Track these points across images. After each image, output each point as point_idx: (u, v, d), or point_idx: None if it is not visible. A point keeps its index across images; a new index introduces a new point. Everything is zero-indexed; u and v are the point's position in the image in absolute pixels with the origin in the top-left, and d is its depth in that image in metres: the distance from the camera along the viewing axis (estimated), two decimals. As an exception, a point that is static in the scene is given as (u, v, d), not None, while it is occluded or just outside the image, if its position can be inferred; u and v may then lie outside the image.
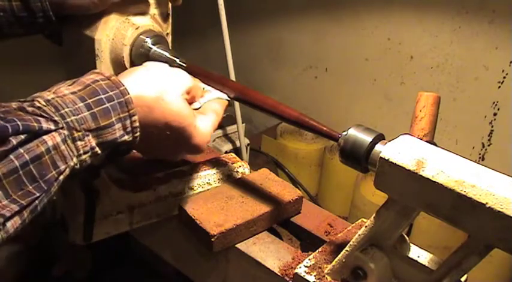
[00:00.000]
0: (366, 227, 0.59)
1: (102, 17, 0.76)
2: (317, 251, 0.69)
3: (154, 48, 0.79)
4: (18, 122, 0.44)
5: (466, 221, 0.50)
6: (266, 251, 0.72)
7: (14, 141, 0.44)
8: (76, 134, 0.49)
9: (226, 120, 1.57)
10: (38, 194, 0.45)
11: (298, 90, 1.86)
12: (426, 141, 0.57)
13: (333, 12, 1.65)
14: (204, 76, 0.72)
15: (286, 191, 0.79)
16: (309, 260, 0.67)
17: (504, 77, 1.35)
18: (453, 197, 0.49)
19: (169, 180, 0.79)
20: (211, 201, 0.76)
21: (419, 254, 0.64)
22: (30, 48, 1.26)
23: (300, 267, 0.66)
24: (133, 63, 0.80)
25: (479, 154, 1.48)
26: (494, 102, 1.39)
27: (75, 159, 0.49)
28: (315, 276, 0.64)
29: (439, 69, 1.47)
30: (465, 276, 0.59)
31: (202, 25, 1.88)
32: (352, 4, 1.59)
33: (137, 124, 0.54)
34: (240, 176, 0.85)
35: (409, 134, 0.59)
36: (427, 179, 0.51)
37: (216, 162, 0.86)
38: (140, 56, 0.79)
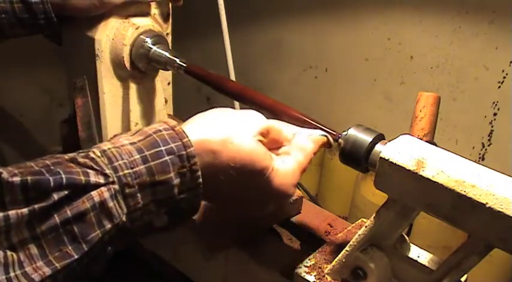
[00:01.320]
0: (366, 227, 0.59)
1: (102, 18, 0.76)
2: (317, 251, 0.69)
3: (154, 48, 0.79)
4: (63, 175, 0.41)
5: (466, 221, 0.50)
6: (266, 251, 0.72)
7: (55, 196, 0.40)
8: (128, 190, 0.44)
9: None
10: (76, 256, 0.41)
11: (298, 90, 1.86)
12: (426, 141, 0.57)
13: (333, 13, 1.65)
14: (204, 76, 0.72)
15: (286, 191, 0.79)
16: (309, 260, 0.67)
17: (504, 77, 1.35)
18: (453, 197, 0.49)
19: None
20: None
21: (419, 254, 0.64)
22: (30, 48, 1.26)
23: (300, 267, 0.66)
24: (133, 63, 0.80)
25: (479, 154, 1.48)
26: (494, 102, 1.39)
27: (124, 217, 0.44)
28: (315, 276, 0.64)
29: (439, 69, 1.47)
30: (465, 276, 0.59)
31: (202, 25, 1.88)
32: (352, 4, 1.59)
33: (200, 180, 0.47)
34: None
35: (409, 134, 0.59)
36: (427, 179, 0.51)
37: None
38: (140, 56, 0.79)
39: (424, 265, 0.61)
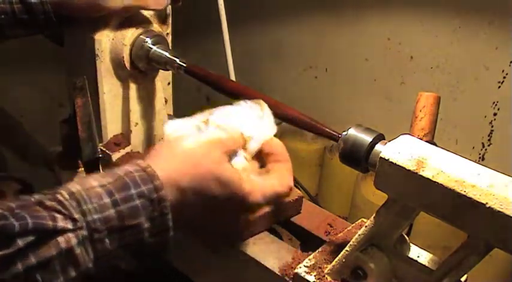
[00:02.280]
0: (366, 227, 0.59)
1: (102, 19, 0.76)
2: (317, 251, 0.69)
3: (154, 48, 0.79)
4: (29, 220, 0.39)
5: (466, 221, 0.50)
6: (266, 251, 0.72)
7: (20, 243, 0.38)
8: (96, 236, 0.42)
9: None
10: None
11: (298, 90, 1.86)
12: (426, 141, 0.57)
13: (333, 13, 1.65)
14: (204, 76, 0.72)
15: (286, 191, 0.79)
16: (309, 260, 0.67)
17: (504, 77, 1.35)
18: (453, 197, 0.49)
19: (169, 180, 0.79)
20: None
21: (419, 254, 0.64)
22: (31, 48, 1.27)
23: (300, 267, 0.66)
24: (133, 63, 0.80)
25: (479, 154, 1.48)
26: (494, 102, 1.39)
27: (90, 264, 0.43)
28: (315, 276, 0.64)
29: (439, 69, 1.47)
30: (465, 276, 0.59)
31: (202, 25, 1.88)
32: (352, 4, 1.59)
33: (170, 224, 0.47)
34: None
35: (409, 134, 0.59)
36: (427, 179, 0.51)
37: (216, 162, 0.86)
38: (140, 56, 0.79)
39: (424, 265, 0.61)
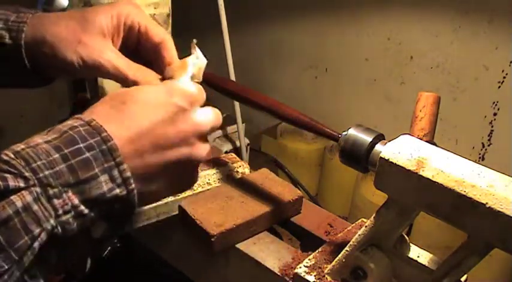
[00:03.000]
0: (366, 227, 0.59)
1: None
2: (317, 251, 0.69)
3: (154, 48, 0.78)
4: None
5: (466, 221, 0.50)
6: (266, 251, 0.72)
7: None
8: (51, 191, 0.41)
9: (226, 120, 1.57)
10: (6, 266, 0.38)
11: (298, 90, 1.86)
12: (426, 141, 0.57)
13: (333, 13, 1.65)
14: (204, 76, 0.72)
15: (286, 191, 0.79)
16: (309, 260, 0.67)
17: (504, 77, 1.35)
18: (453, 197, 0.49)
19: (169, 180, 0.79)
20: (211, 201, 0.76)
21: (419, 254, 0.64)
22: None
23: (300, 267, 0.66)
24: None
25: (479, 154, 1.48)
26: (494, 102, 1.39)
27: (52, 221, 0.41)
28: (315, 276, 0.64)
29: (439, 69, 1.47)
30: (465, 276, 0.59)
31: (202, 25, 1.88)
32: (352, 4, 1.59)
33: (128, 174, 0.45)
34: (240, 176, 0.85)
35: (409, 134, 0.59)
36: (427, 179, 0.51)
37: (216, 162, 0.86)
38: (140, 56, 0.79)
39: (424, 265, 0.61)
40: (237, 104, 1.42)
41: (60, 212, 0.42)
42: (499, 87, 1.37)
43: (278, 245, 0.74)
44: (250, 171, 0.87)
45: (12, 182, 0.40)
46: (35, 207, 0.40)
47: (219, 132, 1.62)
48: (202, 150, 0.52)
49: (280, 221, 0.79)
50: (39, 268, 0.42)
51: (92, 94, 0.82)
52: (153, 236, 0.85)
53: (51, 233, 0.41)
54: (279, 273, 0.68)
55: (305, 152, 1.76)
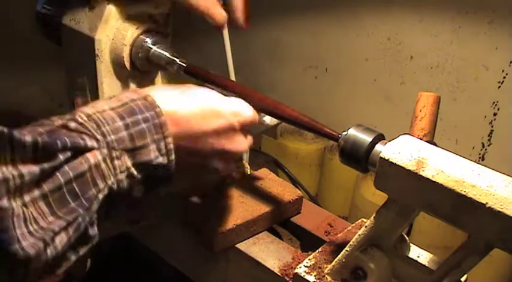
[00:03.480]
0: (366, 227, 0.59)
1: (102, 17, 0.76)
2: (317, 251, 0.69)
3: (154, 48, 0.79)
4: (67, 139, 0.44)
5: (466, 221, 0.50)
6: (266, 251, 0.72)
7: (61, 157, 0.44)
8: (114, 154, 0.48)
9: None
10: (81, 211, 0.45)
11: (298, 90, 1.86)
12: (426, 141, 0.57)
13: (333, 12, 1.65)
14: (204, 76, 0.72)
15: (286, 191, 0.79)
16: (309, 260, 0.67)
17: (504, 77, 1.35)
18: (453, 197, 0.49)
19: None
20: (211, 201, 0.76)
21: (419, 254, 0.64)
22: (31, 48, 1.26)
23: (300, 267, 0.66)
24: (133, 63, 0.80)
25: (479, 154, 1.48)
26: (494, 102, 1.39)
27: (112, 179, 0.48)
28: (315, 276, 0.64)
29: (439, 69, 1.47)
30: (465, 276, 0.59)
31: (202, 25, 1.88)
32: (352, 4, 1.59)
33: (171, 146, 0.52)
34: (240, 176, 0.85)
35: (409, 134, 0.59)
36: (427, 179, 0.51)
37: (216, 162, 0.86)
38: (140, 56, 0.79)
39: (424, 265, 0.61)
40: (237, 104, 1.42)
41: (118, 171, 0.49)
42: (499, 87, 1.37)
43: (278, 245, 0.74)
44: (250, 171, 0.87)
45: (89, 142, 0.46)
46: (103, 165, 0.47)
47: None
48: (230, 169, 0.62)
49: (280, 221, 0.79)
50: (97, 218, 0.48)
51: (91, 95, 0.82)
52: (153, 236, 0.85)
53: (110, 188, 0.48)
54: (279, 273, 0.68)
55: (305, 152, 1.76)
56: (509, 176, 0.51)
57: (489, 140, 1.45)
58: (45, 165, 0.42)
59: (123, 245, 1.03)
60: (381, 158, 0.54)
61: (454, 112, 1.45)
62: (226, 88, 0.70)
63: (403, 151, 0.53)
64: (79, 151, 0.45)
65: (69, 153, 0.44)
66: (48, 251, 0.42)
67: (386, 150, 0.54)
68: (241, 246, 0.73)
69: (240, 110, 0.61)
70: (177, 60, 0.77)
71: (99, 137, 0.47)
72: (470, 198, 0.48)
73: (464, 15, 1.36)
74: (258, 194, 0.78)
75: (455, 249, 0.54)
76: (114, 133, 0.49)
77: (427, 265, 0.61)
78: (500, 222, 0.47)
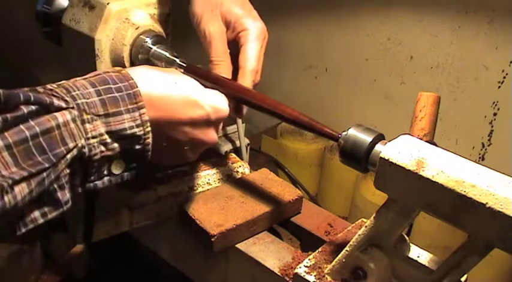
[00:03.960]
0: (366, 227, 0.59)
1: (102, 17, 0.76)
2: (317, 251, 0.69)
3: (154, 48, 0.79)
4: (31, 94, 0.45)
5: (466, 221, 0.50)
6: (266, 251, 0.72)
7: (24, 109, 0.44)
8: (85, 116, 0.49)
9: (226, 120, 1.57)
10: (47, 165, 0.45)
11: (298, 90, 1.86)
12: (426, 141, 0.57)
13: (333, 13, 1.65)
14: (204, 76, 0.72)
15: (286, 191, 0.79)
16: (309, 260, 0.67)
17: (504, 77, 1.35)
18: (453, 197, 0.49)
19: (169, 180, 0.79)
20: (211, 201, 0.76)
21: (419, 254, 0.64)
22: (31, 47, 1.27)
23: (300, 267, 0.66)
24: (133, 64, 0.80)
25: (479, 154, 1.48)
26: (494, 102, 1.39)
27: (83, 141, 0.48)
28: (315, 276, 0.64)
29: (439, 69, 1.47)
30: (465, 276, 0.59)
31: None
32: (352, 4, 1.59)
33: (146, 118, 0.53)
34: (240, 176, 0.85)
35: (409, 134, 0.59)
36: (427, 179, 0.51)
37: (216, 162, 0.86)
38: (140, 56, 0.79)
39: (424, 265, 0.61)
40: (237, 104, 1.42)
41: (89, 135, 0.49)
42: (499, 87, 1.37)
43: (278, 245, 0.74)
44: (250, 171, 0.87)
45: (56, 101, 0.47)
46: (72, 125, 0.47)
47: (219, 132, 1.62)
48: (195, 155, 0.63)
49: (280, 221, 0.79)
50: (67, 182, 0.49)
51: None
52: (153, 236, 0.85)
53: (80, 151, 0.48)
54: (279, 273, 0.68)
55: (305, 152, 1.76)
56: (509, 176, 0.51)
57: (489, 140, 1.45)
58: (8, 115, 0.43)
59: (123, 245, 1.03)
60: (381, 158, 0.54)
61: (454, 112, 1.45)
62: (226, 88, 0.70)
63: (403, 151, 0.53)
64: (45, 108, 0.46)
65: (32, 107, 0.44)
66: (6, 199, 0.42)
67: (386, 150, 0.54)
68: (241, 246, 0.73)
69: (218, 104, 0.63)
70: (177, 60, 0.77)
71: (68, 98, 0.48)
72: (470, 198, 0.48)
73: (464, 15, 1.36)
74: (258, 194, 0.78)
75: (455, 249, 0.54)
76: (85, 98, 0.49)
77: (427, 265, 0.61)
78: (500, 222, 0.47)
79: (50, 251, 0.97)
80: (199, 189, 0.81)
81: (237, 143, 1.66)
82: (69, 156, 0.47)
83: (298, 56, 1.82)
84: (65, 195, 0.49)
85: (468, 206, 0.48)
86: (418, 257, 0.63)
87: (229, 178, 0.84)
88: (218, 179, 0.83)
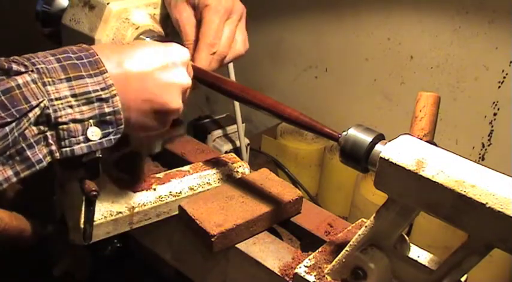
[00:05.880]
0: (366, 227, 0.59)
1: (102, 17, 0.76)
2: (317, 251, 0.69)
3: (154, 48, 0.78)
4: None
5: (466, 221, 0.50)
6: (266, 251, 0.72)
7: None
8: (46, 79, 0.49)
9: (226, 120, 1.57)
10: (9, 119, 0.46)
11: (298, 90, 1.86)
12: (426, 141, 0.57)
13: (333, 12, 1.65)
14: (203, 76, 0.72)
15: (286, 191, 0.79)
16: (309, 260, 0.67)
17: (504, 77, 1.35)
18: (453, 197, 0.49)
19: (169, 180, 0.79)
20: (211, 201, 0.76)
21: (419, 254, 0.64)
22: (31, 47, 1.26)
23: (300, 267, 0.66)
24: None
25: (479, 154, 1.48)
26: (494, 102, 1.39)
27: (46, 101, 0.49)
28: (315, 276, 0.64)
29: (439, 69, 1.47)
30: (465, 276, 0.59)
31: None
32: (352, 4, 1.59)
33: (111, 82, 0.53)
34: (240, 176, 0.85)
35: (409, 134, 0.59)
36: (427, 179, 0.51)
37: (216, 162, 0.86)
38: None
39: (424, 265, 0.61)
40: (237, 104, 1.42)
41: (53, 97, 0.50)
42: (499, 87, 1.37)
43: (278, 245, 0.74)
44: (250, 171, 0.87)
45: (15, 66, 0.48)
46: (33, 85, 0.48)
47: (219, 132, 1.62)
48: (179, 102, 0.62)
49: (280, 221, 0.79)
50: (38, 143, 0.50)
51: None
52: (153, 236, 0.85)
53: (43, 110, 0.49)
54: (279, 273, 0.68)
55: (305, 152, 1.76)
56: (509, 176, 0.51)
57: (489, 140, 1.45)
58: None
59: (123, 245, 1.03)
60: (381, 158, 0.54)
61: (454, 112, 1.45)
62: (225, 88, 0.70)
63: (403, 151, 0.53)
64: (5, 73, 0.47)
65: None
66: None
67: (386, 150, 0.54)
68: (241, 246, 0.73)
69: (177, 47, 0.63)
70: (177, 60, 0.77)
71: (27, 63, 0.49)
72: (470, 198, 0.48)
73: (464, 15, 1.36)
74: (258, 194, 0.78)
75: (455, 249, 0.54)
76: (44, 64, 0.50)
77: (427, 265, 0.61)
78: (500, 222, 0.47)
79: (51, 251, 0.97)
80: (199, 189, 0.81)
81: (237, 143, 1.66)
82: (31, 114, 0.48)
83: (298, 56, 1.82)
84: (36, 155, 0.49)
85: (468, 206, 0.48)
86: (418, 257, 0.63)
87: (229, 178, 0.84)
88: (218, 179, 0.83)
